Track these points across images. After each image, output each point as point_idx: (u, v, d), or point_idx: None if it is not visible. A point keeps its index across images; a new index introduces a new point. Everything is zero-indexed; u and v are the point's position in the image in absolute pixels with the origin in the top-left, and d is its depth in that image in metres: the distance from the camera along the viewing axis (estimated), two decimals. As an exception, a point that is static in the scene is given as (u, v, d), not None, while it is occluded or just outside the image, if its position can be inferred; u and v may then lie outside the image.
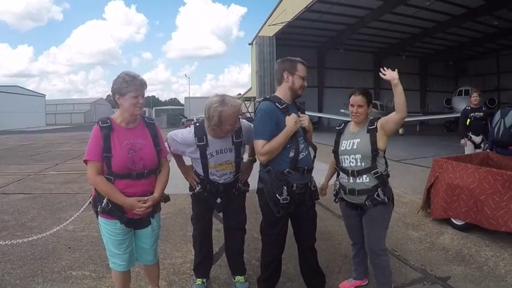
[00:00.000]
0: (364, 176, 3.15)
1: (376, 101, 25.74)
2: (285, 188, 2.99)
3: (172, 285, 3.76)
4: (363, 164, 3.14)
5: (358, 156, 3.15)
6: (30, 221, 6.04)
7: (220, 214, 3.67)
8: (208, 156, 3.25)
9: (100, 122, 2.80)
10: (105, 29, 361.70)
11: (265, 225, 3.21)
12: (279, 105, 3.02)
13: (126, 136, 2.80)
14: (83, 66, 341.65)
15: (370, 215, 3.17)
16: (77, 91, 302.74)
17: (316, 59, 32.40)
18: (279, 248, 3.25)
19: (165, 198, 3.07)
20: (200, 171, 3.37)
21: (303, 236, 3.31)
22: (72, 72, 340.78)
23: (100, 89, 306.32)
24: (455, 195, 5.03)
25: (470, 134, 8.08)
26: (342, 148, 3.30)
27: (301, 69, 3.09)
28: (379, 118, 3.24)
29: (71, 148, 18.72)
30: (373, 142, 3.12)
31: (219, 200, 3.44)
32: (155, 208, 2.98)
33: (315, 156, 3.26)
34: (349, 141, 3.25)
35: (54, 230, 4.49)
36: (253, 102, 31.25)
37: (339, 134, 3.40)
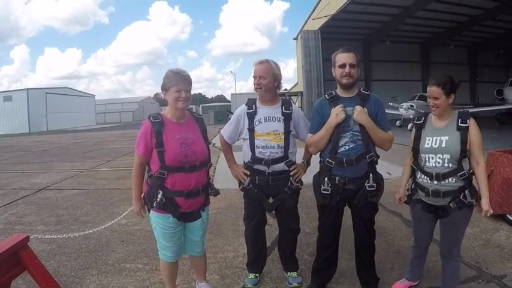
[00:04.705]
0: (450, 178, 2.86)
1: (424, 93, 24.97)
2: (326, 179, 3.10)
3: (225, 278, 3.80)
4: (450, 165, 2.85)
5: (447, 156, 2.84)
6: (84, 215, 6.28)
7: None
8: (256, 123, 3.33)
9: (151, 118, 2.90)
10: (150, 30, 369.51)
11: (318, 213, 3.34)
12: (327, 97, 3.16)
13: (178, 130, 2.91)
14: (130, 66, 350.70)
15: (453, 218, 2.92)
16: (124, 91, 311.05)
17: (362, 52, 31.57)
18: (326, 238, 3.31)
19: (215, 192, 3.16)
20: (247, 150, 3.38)
21: (355, 233, 3.32)
22: (119, 72, 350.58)
23: (147, 88, 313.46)
24: (511, 190, 4.82)
25: None
26: (426, 146, 2.95)
27: (338, 59, 3.07)
28: (468, 112, 2.95)
29: (121, 145, 19.29)
30: (464, 142, 2.82)
31: (271, 200, 3.43)
32: (205, 201, 3.10)
33: (372, 160, 3.08)
34: (434, 138, 2.92)
35: (108, 224, 4.65)
36: (300, 97, 31.05)
37: (419, 129, 3.06)
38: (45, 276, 2.56)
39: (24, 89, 49.42)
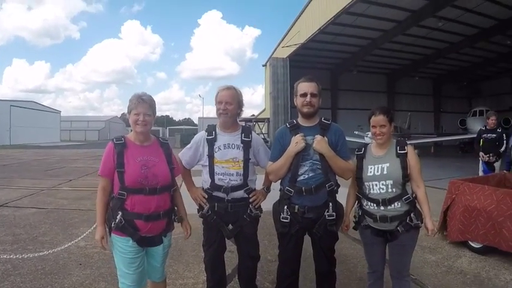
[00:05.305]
0: (396, 203, 2.98)
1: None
2: (286, 207, 3.10)
3: (184, 305, 3.69)
4: (393, 190, 2.98)
5: (390, 182, 2.98)
6: (41, 235, 6.05)
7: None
8: (216, 150, 3.30)
9: (114, 140, 2.94)
10: (121, 48, 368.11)
11: (278, 241, 3.32)
12: (288, 125, 3.22)
13: (140, 153, 2.90)
14: (98, 84, 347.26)
15: (401, 241, 3.01)
16: (91, 108, 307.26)
17: (329, 81, 32.36)
18: (287, 267, 3.27)
19: (179, 219, 3.12)
20: (207, 177, 3.33)
21: (315, 262, 3.30)
22: (87, 89, 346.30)
23: (115, 107, 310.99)
24: (472, 217, 4.95)
25: (480, 153, 8.49)
26: (369, 174, 3.08)
27: (300, 88, 3.13)
28: (404, 140, 3.17)
29: (84, 165, 18.86)
30: (404, 167, 2.98)
31: (230, 227, 3.37)
32: (168, 227, 3.03)
33: (332, 189, 3.07)
34: (376, 166, 3.06)
35: (66, 245, 4.48)
36: (266, 124, 31.21)
37: (361, 159, 3.19)
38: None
39: (-11, 100, 48.05)
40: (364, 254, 3.43)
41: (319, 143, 2.98)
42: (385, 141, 3.08)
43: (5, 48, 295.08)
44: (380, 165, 3.04)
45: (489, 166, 8.31)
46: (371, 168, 3.08)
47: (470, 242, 5.10)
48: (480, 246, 4.95)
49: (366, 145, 3.28)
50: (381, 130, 3.02)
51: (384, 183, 3.00)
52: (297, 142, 2.99)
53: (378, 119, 3.03)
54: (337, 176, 3.12)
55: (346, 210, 3.29)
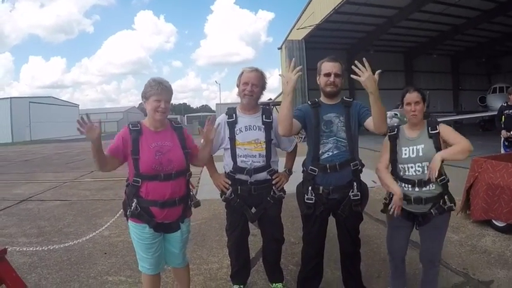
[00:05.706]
0: (431, 184, 2.91)
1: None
2: (310, 188, 3.07)
3: (209, 291, 3.72)
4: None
5: (426, 164, 2.89)
6: (66, 227, 6.17)
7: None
8: (237, 132, 3.28)
9: (130, 125, 2.91)
10: (135, 39, 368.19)
11: (302, 223, 3.30)
12: (309, 102, 3.20)
13: (154, 139, 2.87)
14: (114, 76, 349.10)
15: (434, 224, 2.94)
16: (109, 100, 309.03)
17: (346, 61, 31.57)
18: (311, 248, 3.27)
19: (195, 204, 3.08)
20: (229, 160, 3.32)
21: (340, 243, 3.30)
22: (104, 82, 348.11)
23: (132, 97, 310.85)
24: (496, 195, 4.87)
25: (503, 131, 8.23)
26: (404, 156, 3.00)
27: (324, 67, 3.08)
28: (434, 120, 3.06)
29: (104, 155, 18.97)
30: (438, 148, 2.90)
31: (253, 210, 3.36)
32: (185, 213, 3.02)
33: (357, 168, 3.05)
34: (410, 147, 2.98)
35: (90, 235, 4.55)
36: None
37: (394, 139, 3.08)
38: (22, 290, 2.49)
39: (8, 98, 48.57)
40: (386, 239, 3.32)
41: (369, 79, 2.76)
42: (419, 121, 3.01)
43: (20, 46, 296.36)
44: (415, 147, 2.97)
45: (509, 144, 8.13)
46: (405, 150, 3.00)
47: (493, 221, 5.02)
48: (504, 224, 4.86)
49: (398, 126, 3.17)
50: (416, 107, 2.94)
51: (420, 165, 2.93)
52: (287, 81, 2.83)
53: (413, 95, 2.96)
54: (374, 128, 2.90)
55: (393, 189, 2.94)
